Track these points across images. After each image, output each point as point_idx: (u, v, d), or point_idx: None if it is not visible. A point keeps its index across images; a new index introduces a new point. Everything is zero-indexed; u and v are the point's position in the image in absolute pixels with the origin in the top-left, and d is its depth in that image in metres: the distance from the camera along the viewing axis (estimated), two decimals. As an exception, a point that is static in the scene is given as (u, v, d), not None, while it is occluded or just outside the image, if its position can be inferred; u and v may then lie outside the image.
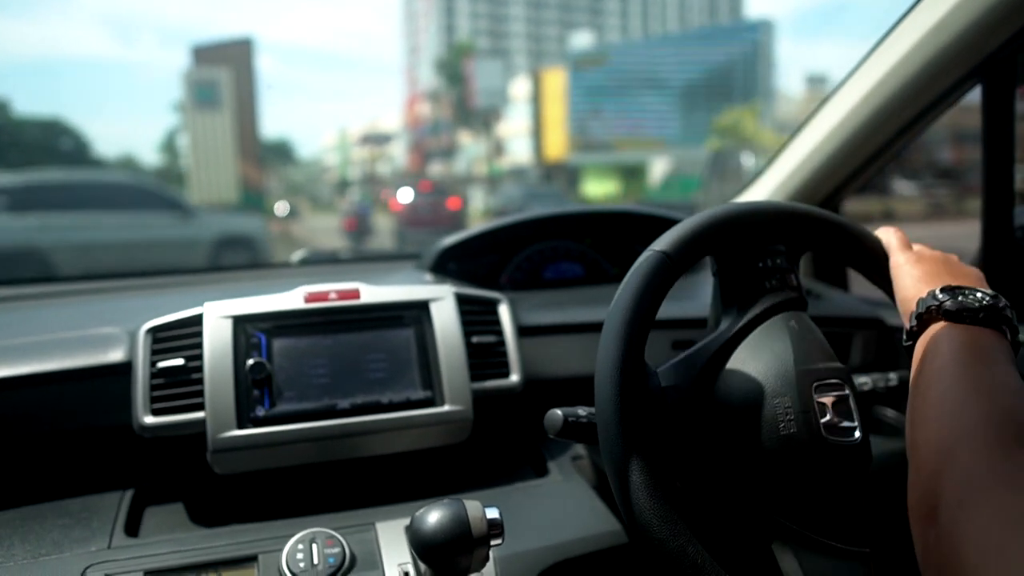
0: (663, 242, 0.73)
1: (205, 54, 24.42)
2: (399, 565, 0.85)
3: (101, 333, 1.05)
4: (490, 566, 0.86)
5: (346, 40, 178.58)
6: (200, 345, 0.98)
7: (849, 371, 0.74)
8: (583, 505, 1.01)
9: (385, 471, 1.08)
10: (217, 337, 0.98)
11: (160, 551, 0.86)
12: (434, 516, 0.71)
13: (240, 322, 1.00)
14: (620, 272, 1.53)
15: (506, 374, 1.09)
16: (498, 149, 42.01)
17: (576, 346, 1.21)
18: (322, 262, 1.77)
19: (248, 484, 1.03)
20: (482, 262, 1.51)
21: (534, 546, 0.91)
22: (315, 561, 0.83)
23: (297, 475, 1.03)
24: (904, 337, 0.70)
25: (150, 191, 9.25)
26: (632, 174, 35.60)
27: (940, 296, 0.67)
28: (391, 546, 0.88)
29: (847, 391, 0.71)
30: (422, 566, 0.74)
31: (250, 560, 0.86)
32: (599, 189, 35.45)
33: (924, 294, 0.69)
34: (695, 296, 1.42)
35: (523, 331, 1.16)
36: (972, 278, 0.74)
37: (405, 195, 17.97)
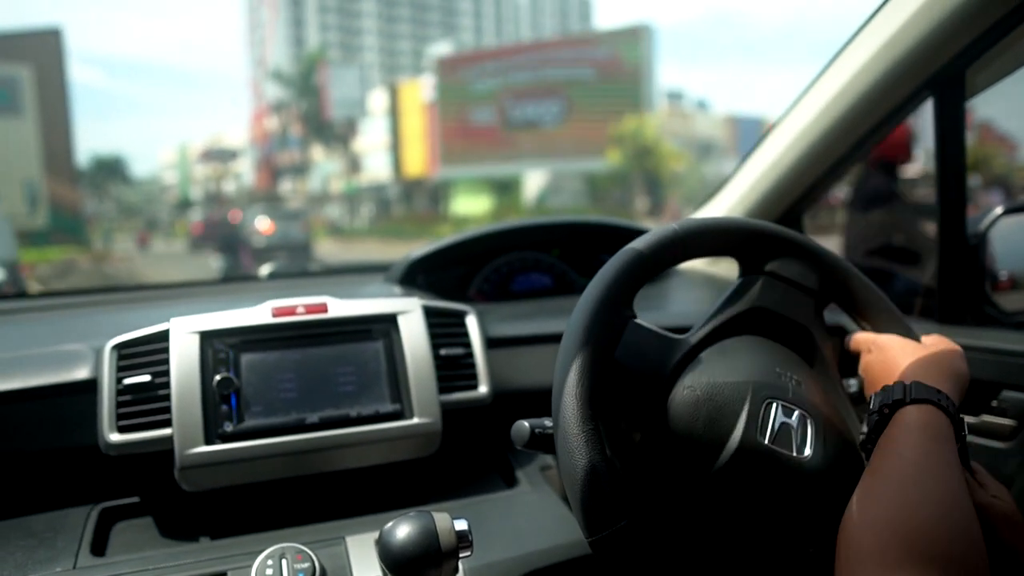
0: (640, 242, 0.76)
1: (-5, 46, 18.10)
2: None
3: (66, 350, 1.04)
4: None
5: (184, 52, 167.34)
6: (167, 361, 0.98)
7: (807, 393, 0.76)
8: (552, 515, 1.02)
9: (355, 484, 1.08)
10: (184, 353, 0.98)
11: (126, 570, 0.86)
12: (403, 530, 0.71)
13: (207, 337, 1.00)
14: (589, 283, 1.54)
15: (475, 386, 1.10)
16: (355, 165, 40.08)
17: (544, 357, 1.22)
18: (291, 275, 1.77)
19: (217, 499, 1.03)
20: (451, 274, 1.52)
21: (504, 557, 0.92)
22: None
23: (266, 489, 1.03)
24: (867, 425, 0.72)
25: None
26: (505, 189, 33.12)
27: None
28: (361, 560, 0.88)
29: (801, 409, 0.73)
30: None
31: None
32: (470, 207, 32.53)
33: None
34: (664, 307, 1.44)
35: (491, 343, 1.17)
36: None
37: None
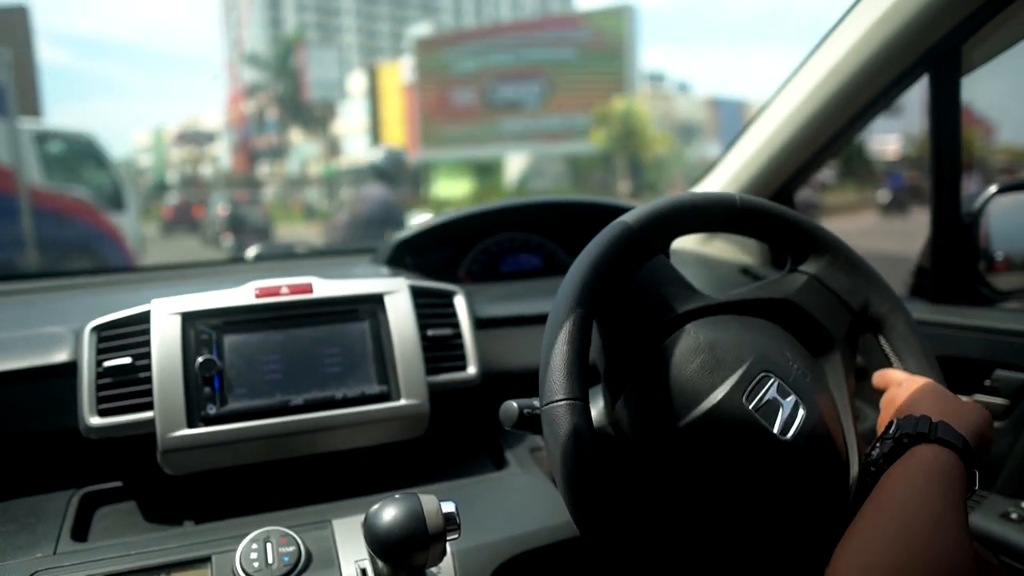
0: (630, 215, 0.75)
1: (-44, 26, 18.67)
2: (356, 562, 0.84)
3: (45, 333, 1.02)
4: (448, 560, 0.85)
5: (158, 32, 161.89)
6: (148, 343, 0.96)
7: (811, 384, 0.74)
8: (542, 496, 1.01)
9: (341, 467, 1.07)
10: (165, 334, 0.96)
11: (108, 555, 0.84)
12: (389, 512, 0.70)
13: (189, 319, 0.98)
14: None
15: (463, 367, 1.08)
16: (334, 148, 39.24)
17: (534, 338, 1.20)
18: (277, 257, 1.74)
19: (201, 483, 1.01)
20: (439, 255, 1.50)
21: (493, 539, 0.91)
22: (270, 560, 0.81)
23: (251, 472, 1.01)
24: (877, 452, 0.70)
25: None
26: (486, 172, 32.63)
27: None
28: (348, 543, 0.87)
29: (798, 396, 0.71)
30: (379, 563, 0.73)
31: (203, 561, 0.84)
32: (451, 189, 32.02)
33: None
34: None
35: (480, 323, 1.16)
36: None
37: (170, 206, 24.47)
